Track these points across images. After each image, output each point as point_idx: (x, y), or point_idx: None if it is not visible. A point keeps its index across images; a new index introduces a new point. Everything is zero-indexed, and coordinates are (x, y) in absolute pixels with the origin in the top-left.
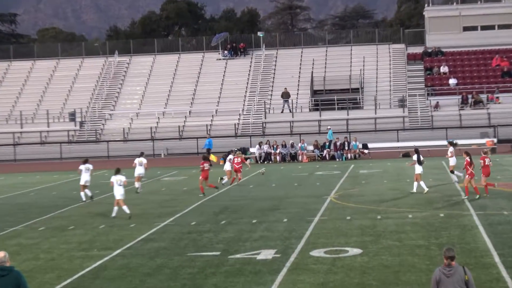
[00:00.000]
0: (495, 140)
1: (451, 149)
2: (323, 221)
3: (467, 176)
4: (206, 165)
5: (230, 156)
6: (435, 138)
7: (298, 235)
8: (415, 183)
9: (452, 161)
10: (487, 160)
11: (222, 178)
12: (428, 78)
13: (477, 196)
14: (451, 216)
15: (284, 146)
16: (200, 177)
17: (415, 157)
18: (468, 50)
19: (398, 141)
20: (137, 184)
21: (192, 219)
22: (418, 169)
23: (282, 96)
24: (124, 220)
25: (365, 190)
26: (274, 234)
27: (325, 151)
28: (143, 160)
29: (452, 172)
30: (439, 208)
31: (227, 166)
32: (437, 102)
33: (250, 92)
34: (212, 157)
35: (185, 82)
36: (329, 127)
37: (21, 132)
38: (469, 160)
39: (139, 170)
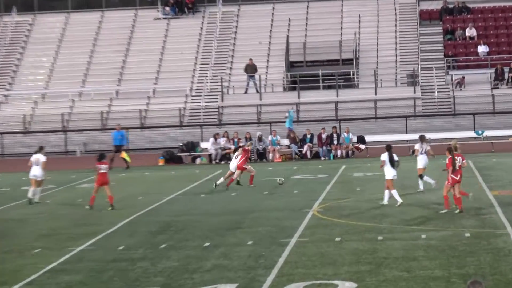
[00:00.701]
0: None
1: (417, 146)
2: (302, 244)
3: (447, 181)
4: (103, 167)
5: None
6: (458, 128)
7: (267, 263)
8: (386, 192)
9: (421, 162)
10: (457, 160)
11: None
12: (448, 44)
13: (458, 211)
14: (480, 236)
15: (249, 139)
16: (95, 183)
17: (384, 156)
18: (505, 6)
19: (406, 132)
20: (31, 192)
21: (119, 242)
22: (390, 173)
23: (245, 71)
24: (26, 244)
25: (361, 200)
26: (234, 262)
27: (305, 147)
28: (41, 157)
29: (420, 177)
30: (464, 226)
31: (233, 165)
32: (462, 78)
33: (201, 64)
34: (125, 156)
35: (110, 51)
36: (291, 108)
37: None
38: (451, 159)
39: (34, 171)
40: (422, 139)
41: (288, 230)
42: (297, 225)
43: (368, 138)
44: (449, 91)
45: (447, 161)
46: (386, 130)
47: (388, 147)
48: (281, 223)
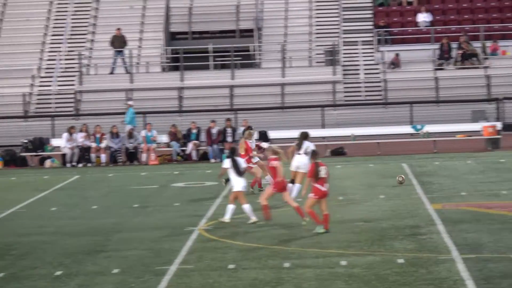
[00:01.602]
0: (499, 125)
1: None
2: (185, 273)
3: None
4: None
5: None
6: (390, 121)
7: None
8: (230, 207)
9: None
10: (277, 164)
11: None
12: (379, 12)
13: (304, 222)
14: (418, 263)
15: (115, 135)
16: None
17: (227, 163)
18: None
19: (323, 126)
20: None
21: None
22: (238, 183)
23: (112, 44)
24: None
25: (261, 215)
26: None
27: (189, 145)
28: None
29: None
30: (396, 249)
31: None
32: (395, 56)
33: (52, 36)
34: None
35: None
36: (129, 101)
37: None
38: (314, 165)
39: None
40: (305, 137)
41: (166, 255)
42: (178, 248)
43: (272, 134)
44: (379, 74)
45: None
46: (297, 124)
47: (232, 150)
48: (157, 245)
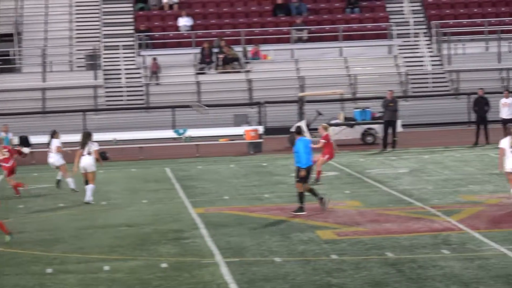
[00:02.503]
0: (261, 128)
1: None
2: None
3: None
4: None
5: None
6: (153, 125)
7: None
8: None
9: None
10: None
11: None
12: (141, 16)
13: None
14: (182, 267)
15: None
16: None
17: None
18: None
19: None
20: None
21: None
22: None
23: None
24: None
25: (23, 221)
26: None
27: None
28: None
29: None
30: (159, 254)
31: None
32: (153, 61)
33: None
34: None
35: None
36: None
37: None
38: None
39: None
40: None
41: None
42: None
43: (34, 139)
44: (140, 78)
45: None
46: (58, 128)
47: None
48: None
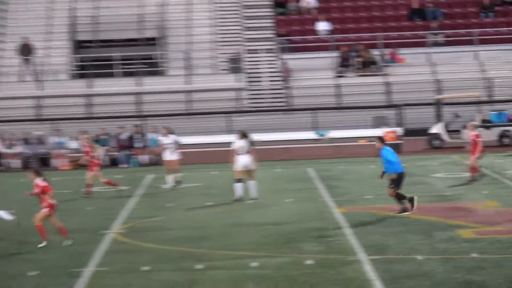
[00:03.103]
0: (400, 130)
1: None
2: (101, 275)
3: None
4: None
5: None
6: (294, 127)
7: None
8: None
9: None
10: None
11: None
12: (281, 20)
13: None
14: (327, 264)
15: (28, 142)
16: None
17: None
18: None
19: (229, 132)
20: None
21: None
22: None
23: (20, 52)
24: None
25: (174, 219)
26: None
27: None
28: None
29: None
30: (305, 251)
31: None
32: (284, 66)
33: None
34: None
35: None
36: None
37: None
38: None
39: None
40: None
41: (81, 258)
42: (93, 251)
43: (180, 140)
44: (282, 81)
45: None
46: (203, 130)
47: None
48: (72, 248)
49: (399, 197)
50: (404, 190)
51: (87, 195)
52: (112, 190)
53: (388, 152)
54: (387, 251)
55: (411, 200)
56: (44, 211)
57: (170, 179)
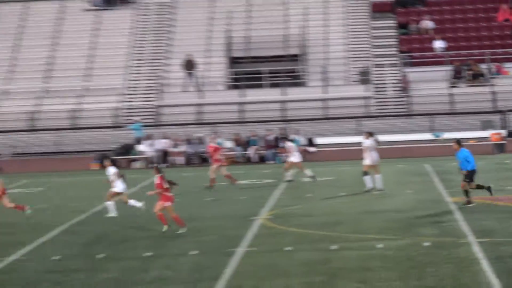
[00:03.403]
0: (504, 132)
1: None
2: (251, 254)
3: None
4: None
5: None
6: (414, 129)
7: (213, 275)
8: (110, 203)
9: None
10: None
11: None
12: (403, 39)
13: (181, 230)
14: (441, 246)
15: (190, 142)
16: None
17: (112, 170)
18: None
19: (360, 134)
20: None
21: (54, 252)
22: (120, 187)
23: (184, 67)
24: None
25: (312, 207)
26: (177, 274)
27: (252, 149)
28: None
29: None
30: (422, 234)
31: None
32: (403, 77)
33: (135, 60)
34: None
35: (36, 45)
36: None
37: None
38: (162, 177)
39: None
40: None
41: (234, 239)
42: (244, 233)
43: (318, 140)
44: (403, 90)
45: (157, 181)
46: (337, 132)
47: (114, 162)
48: (227, 231)
49: (467, 191)
50: (507, 183)
51: (210, 187)
52: (262, 182)
53: (465, 153)
54: (493, 235)
55: (488, 188)
56: (162, 203)
57: (289, 173)
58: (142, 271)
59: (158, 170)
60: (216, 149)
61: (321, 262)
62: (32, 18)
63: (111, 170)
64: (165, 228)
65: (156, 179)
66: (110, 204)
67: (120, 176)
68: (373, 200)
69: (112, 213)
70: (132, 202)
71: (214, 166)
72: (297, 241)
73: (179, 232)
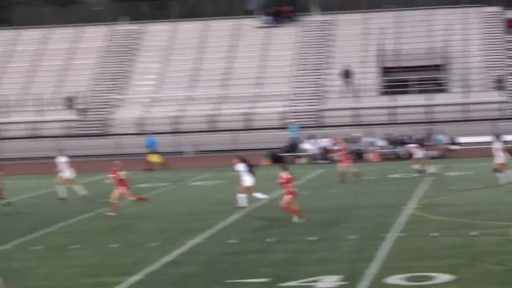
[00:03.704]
0: None
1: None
2: (401, 239)
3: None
4: (122, 174)
5: None
6: None
7: (368, 256)
8: (241, 196)
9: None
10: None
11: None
12: None
13: (297, 219)
14: None
15: (347, 141)
16: (120, 190)
17: (240, 167)
18: None
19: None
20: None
21: (230, 236)
22: (249, 180)
23: (342, 76)
24: (144, 237)
25: (455, 198)
26: (337, 255)
27: (403, 147)
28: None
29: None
30: None
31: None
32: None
33: (300, 70)
34: (156, 158)
35: (215, 58)
36: (294, 124)
37: (3, 123)
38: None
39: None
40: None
41: (386, 226)
42: (394, 221)
43: (459, 140)
44: None
45: (284, 177)
46: (476, 132)
47: (243, 159)
48: (379, 219)
49: None
50: None
51: (358, 178)
52: (410, 177)
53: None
54: None
55: None
56: (287, 197)
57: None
58: (308, 253)
59: (284, 168)
60: (344, 149)
61: (463, 246)
62: (211, 34)
63: (240, 167)
64: (295, 218)
65: (283, 175)
66: (241, 196)
67: (250, 170)
68: (506, 193)
69: (243, 203)
70: (258, 195)
71: (344, 164)
72: (442, 228)
73: (296, 221)
